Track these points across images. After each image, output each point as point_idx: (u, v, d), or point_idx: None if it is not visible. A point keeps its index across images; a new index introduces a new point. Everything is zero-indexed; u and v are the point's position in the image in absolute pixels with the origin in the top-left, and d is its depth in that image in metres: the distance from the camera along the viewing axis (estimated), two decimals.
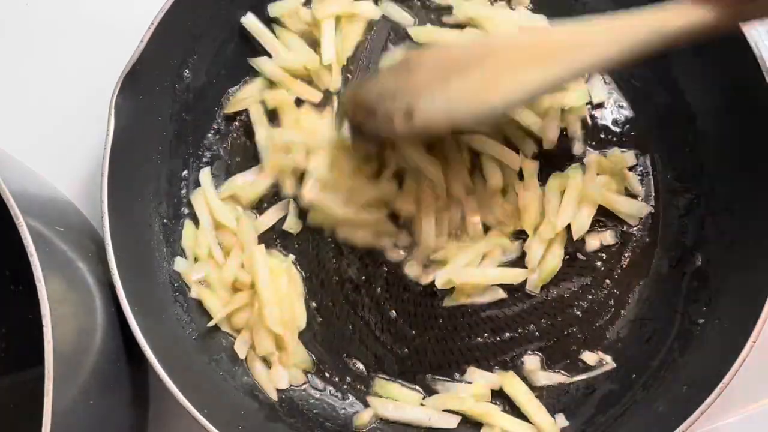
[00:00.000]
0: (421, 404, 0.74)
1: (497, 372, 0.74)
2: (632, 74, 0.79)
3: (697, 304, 0.72)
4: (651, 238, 0.77)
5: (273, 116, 0.78)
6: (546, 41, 0.62)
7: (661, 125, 0.78)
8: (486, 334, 0.75)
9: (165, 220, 0.75)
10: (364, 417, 0.73)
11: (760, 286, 0.65)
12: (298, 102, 0.78)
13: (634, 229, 0.77)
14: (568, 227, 0.76)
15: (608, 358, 0.75)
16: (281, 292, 0.74)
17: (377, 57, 0.80)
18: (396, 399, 0.74)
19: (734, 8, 0.55)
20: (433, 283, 0.75)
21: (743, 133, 0.71)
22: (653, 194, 0.78)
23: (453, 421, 0.73)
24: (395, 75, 0.67)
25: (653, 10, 0.57)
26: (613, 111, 0.79)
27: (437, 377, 0.75)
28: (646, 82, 0.78)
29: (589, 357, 0.75)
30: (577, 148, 0.78)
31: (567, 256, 0.76)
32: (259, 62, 0.78)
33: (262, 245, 0.75)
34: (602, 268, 0.77)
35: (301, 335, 0.75)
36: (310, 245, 0.77)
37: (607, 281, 0.76)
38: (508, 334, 0.75)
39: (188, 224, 0.77)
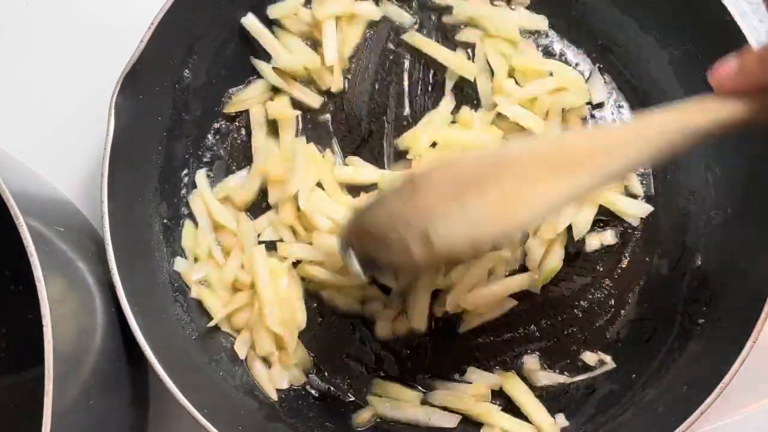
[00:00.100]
0: (421, 403, 0.74)
1: (497, 372, 0.74)
2: (632, 74, 0.79)
3: (697, 304, 0.72)
4: (651, 238, 0.77)
5: (273, 120, 0.78)
6: (567, 148, 0.56)
7: None
8: (486, 334, 0.75)
9: (165, 220, 0.75)
10: (364, 415, 0.73)
11: (760, 286, 0.65)
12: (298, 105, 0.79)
13: (634, 229, 0.77)
14: (569, 227, 0.76)
15: (608, 358, 0.75)
16: (281, 292, 0.74)
17: (377, 57, 0.80)
18: (396, 398, 0.74)
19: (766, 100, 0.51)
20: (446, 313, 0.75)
21: (743, 132, 0.71)
22: (653, 194, 0.78)
23: (453, 420, 0.73)
24: (401, 198, 0.59)
25: (679, 107, 0.54)
26: (613, 111, 0.79)
27: (437, 377, 0.75)
28: (646, 82, 0.78)
29: (589, 357, 0.75)
30: None
31: (567, 256, 0.76)
32: (260, 65, 0.78)
33: (263, 245, 0.75)
34: (602, 268, 0.77)
35: (301, 335, 0.75)
36: None
37: (607, 281, 0.76)
38: (508, 334, 0.75)
39: (188, 224, 0.77)
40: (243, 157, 0.79)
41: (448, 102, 0.78)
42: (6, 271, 0.73)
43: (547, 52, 0.80)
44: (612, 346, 0.75)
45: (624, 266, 0.77)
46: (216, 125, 0.79)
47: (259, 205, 0.78)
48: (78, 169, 0.80)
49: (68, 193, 0.74)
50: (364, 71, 0.80)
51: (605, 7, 0.77)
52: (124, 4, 0.83)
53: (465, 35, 0.79)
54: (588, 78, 0.79)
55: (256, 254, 0.73)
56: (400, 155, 0.78)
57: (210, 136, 0.79)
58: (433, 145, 0.76)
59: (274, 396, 0.74)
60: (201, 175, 0.77)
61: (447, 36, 0.80)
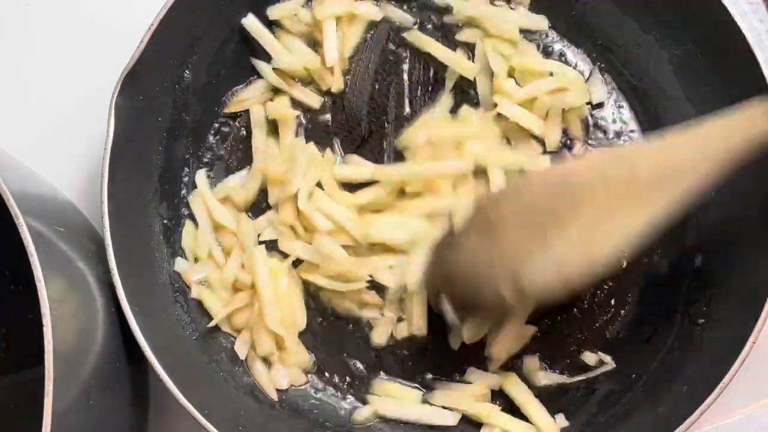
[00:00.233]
0: (421, 402, 0.74)
1: (497, 372, 0.74)
2: (632, 74, 0.79)
3: (697, 304, 0.72)
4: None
5: (273, 120, 0.78)
6: (636, 170, 0.55)
7: (661, 125, 0.78)
8: (486, 335, 0.75)
9: (165, 220, 0.75)
10: (363, 413, 0.73)
11: (760, 286, 0.65)
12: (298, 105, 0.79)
13: None
14: None
15: (608, 358, 0.75)
16: (281, 293, 0.74)
17: (377, 57, 0.80)
18: (396, 398, 0.74)
19: None
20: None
21: None
22: None
23: (453, 419, 0.73)
24: (479, 237, 0.59)
25: (737, 113, 0.53)
26: (613, 111, 0.79)
27: (437, 377, 0.75)
28: (646, 82, 0.78)
29: (589, 357, 0.75)
30: (577, 148, 0.78)
31: None
32: (260, 65, 0.78)
33: (263, 245, 0.75)
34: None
35: (301, 335, 0.75)
36: None
37: (607, 281, 0.76)
38: None
39: (188, 224, 0.77)
40: (243, 157, 0.79)
41: (445, 99, 0.78)
42: (6, 271, 0.73)
43: (547, 52, 0.80)
44: (612, 346, 0.75)
45: (624, 266, 0.77)
46: (216, 125, 0.79)
47: (259, 205, 0.78)
48: (78, 169, 0.80)
49: (68, 193, 0.74)
50: (364, 71, 0.80)
51: (605, 7, 0.77)
52: (124, 4, 0.83)
53: (465, 35, 0.79)
54: (588, 78, 0.79)
55: (257, 254, 0.73)
56: (400, 155, 0.78)
57: (210, 136, 0.79)
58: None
59: (274, 396, 0.74)
60: (201, 175, 0.77)
61: (447, 36, 0.80)
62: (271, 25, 0.78)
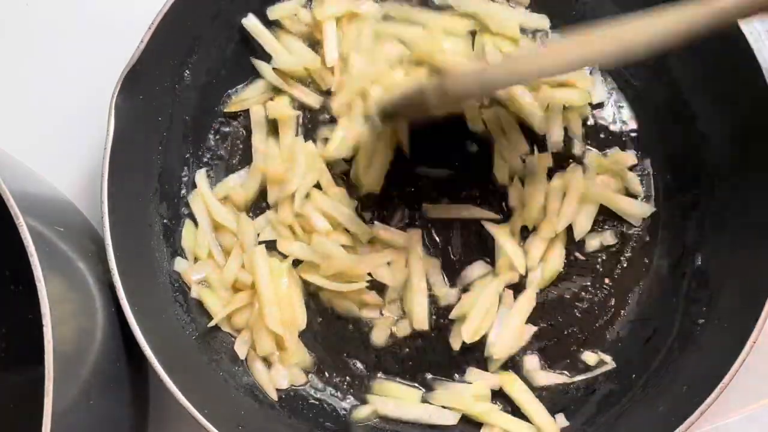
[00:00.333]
0: (421, 402, 0.74)
1: (497, 372, 0.74)
2: (632, 74, 0.79)
3: (697, 304, 0.72)
4: (651, 238, 0.77)
5: (273, 120, 0.78)
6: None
7: (661, 125, 0.78)
8: (486, 335, 0.75)
9: (165, 220, 0.75)
10: (363, 411, 0.74)
11: (760, 286, 0.65)
12: (298, 105, 0.79)
13: (634, 229, 0.77)
14: (569, 227, 0.76)
15: (608, 358, 0.75)
16: (281, 292, 0.74)
17: None
18: (396, 397, 0.74)
19: None
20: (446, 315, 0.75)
21: (743, 133, 0.71)
22: (653, 194, 0.78)
23: (453, 419, 0.73)
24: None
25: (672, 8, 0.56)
26: (613, 111, 0.79)
27: (437, 377, 0.75)
28: (646, 82, 0.78)
29: (589, 357, 0.75)
30: (577, 148, 0.78)
31: (567, 257, 0.76)
32: (260, 65, 0.78)
33: (263, 245, 0.75)
34: (602, 268, 0.77)
35: (302, 335, 0.75)
36: None
37: (607, 281, 0.76)
38: None
39: (188, 224, 0.77)
40: (243, 157, 0.79)
41: None
42: (6, 271, 0.73)
43: None
44: (612, 346, 0.75)
45: (624, 266, 0.77)
46: (216, 125, 0.79)
47: (259, 205, 0.78)
48: (78, 169, 0.80)
49: (68, 193, 0.74)
50: None
51: (605, 6, 0.77)
52: (124, 4, 0.83)
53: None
54: (591, 71, 0.79)
55: (257, 254, 0.73)
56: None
57: (210, 136, 0.79)
58: None
59: (274, 396, 0.74)
60: (201, 175, 0.77)
61: None
62: (271, 25, 0.78)
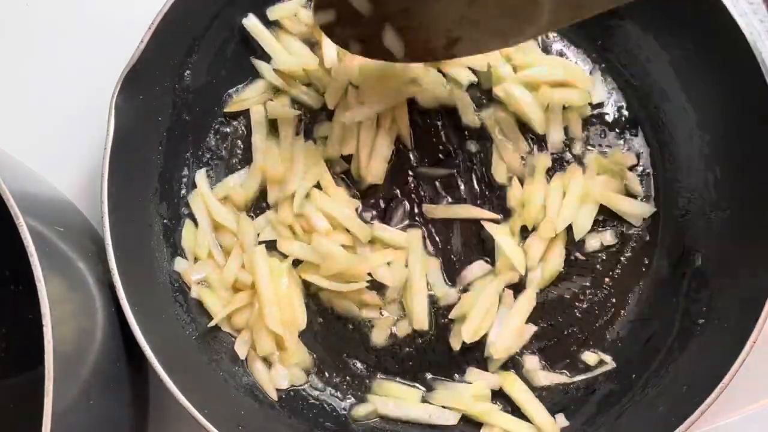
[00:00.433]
0: (421, 401, 0.74)
1: (497, 372, 0.74)
2: (632, 74, 0.79)
3: (697, 304, 0.72)
4: (651, 238, 0.77)
5: (273, 120, 0.78)
6: None
7: (660, 125, 0.78)
8: (486, 335, 0.75)
9: (165, 220, 0.75)
10: (363, 409, 0.74)
11: (760, 286, 0.65)
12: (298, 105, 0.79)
13: (634, 229, 0.77)
14: (569, 227, 0.76)
15: (608, 358, 0.75)
16: (281, 292, 0.74)
17: None
18: (396, 397, 0.74)
19: None
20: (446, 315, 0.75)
21: (743, 133, 0.71)
22: (653, 194, 0.78)
23: (453, 418, 0.73)
24: None
25: None
26: (613, 111, 0.79)
27: (437, 377, 0.75)
28: (646, 82, 0.78)
29: (589, 357, 0.75)
30: (577, 148, 0.78)
31: (567, 257, 0.76)
32: (260, 65, 0.78)
33: (263, 245, 0.75)
34: (602, 268, 0.77)
35: (302, 335, 0.75)
36: None
37: (607, 281, 0.76)
38: None
39: (188, 224, 0.77)
40: (243, 157, 0.79)
41: None
42: (6, 271, 0.73)
43: (548, 52, 0.80)
44: (612, 346, 0.75)
45: (624, 266, 0.77)
46: (216, 125, 0.79)
47: (259, 205, 0.78)
48: (78, 169, 0.80)
49: (68, 193, 0.74)
50: None
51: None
52: (124, 4, 0.83)
53: None
54: (590, 71, 0.79)
55: (257, 254, 0.73)
56: None
57: (210, 136, 0.79)
58: None
59: (274, 396, 0.74)
60: (201, 175, 0.77)
61: None
62: (271, 25, 0.78)
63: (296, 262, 0.75)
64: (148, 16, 0.68)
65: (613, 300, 0.76)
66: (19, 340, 0.74)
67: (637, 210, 0.77)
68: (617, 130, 0.79)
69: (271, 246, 0.76)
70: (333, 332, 0.76)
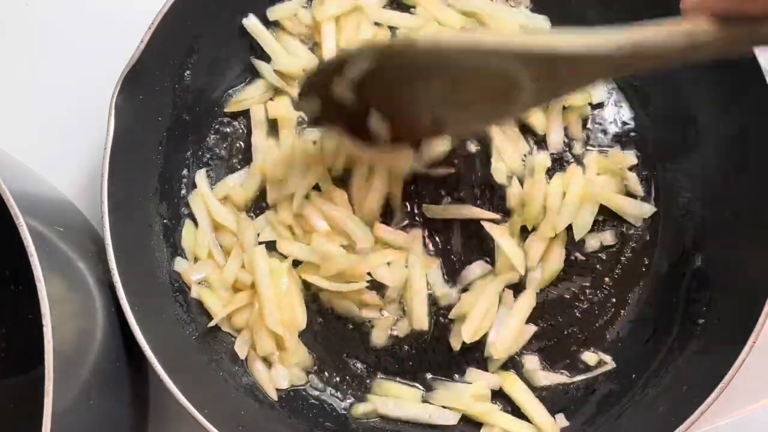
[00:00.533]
0: (421, 401, 0.74)
1: (497, 372, 0.74)
2: (632, 74, 0.79)
3: (697, 304, 0.72)
4: (651, 238, 0.77)
5: (273, 120, 0.78)
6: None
7: (661, 125, 0.78)
8: (486, 335, 0.75)
9: (165, 220, 0.75)
10: (362, 408, 0.74)
11: (760, 287, 0.65)
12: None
13: (634, 229, 0.77)
14: (569, 227, 0.76)
15: (608, 358, 0.75)
16: (281, 293, 0.74)
17: None
18: (396, 397, 0.74)
19: (743, 29, 0.50)
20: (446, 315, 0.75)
21: (743, 133, 0.71)
22: (653, 194, 0.78)
23: (453, 418, 0.73)
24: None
25: (650, 25, 0.54)
26: (613, 111, 0.79)
27: (437, 377, 0.75)
28: (646, 82, 0.78)
29: (589, 357, 0.75)
30: (577, 148, 0.78)
31: (567, 256, 0.76)
32: (260, 65, 0.78)
33: (263, 245, 0.75)
34: (602, 268, 0.77)
35: (302, 335, 0.75)
36: None
37: (607, 281, 0.76)
38: None
39: (188, 224, 0.77)
40: (243, 157, 0.79)
41: None
42: (6, 271, 0.73)
43: None
44: (612, 346, 0.75)
45: (624, 266, 0.77)
46: (216, 125, 0.79)
47: (259, 205, 0.78)
48: (78, 169, 0.80)
49: (68, 193, 0.74)
50: None
51: (607, 14, 0.77)
52: (124, 4, 0.83)
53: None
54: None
55: (257, 254, 0.73)
56: None
57: (210, 136, 0.79)
58: None
59: (274, 396, 0.74)
60: (201, 175, 0.77)
61: None
62: (271, 25, 0.78)
63: (296, 263, 0.75)
64: (148, 16, 0.68)
65: (613, 300, 0.76)
66: (19, 340, 0.74)
67: (637, 210, 0.77)
68: (617, 130, 0.79)
69: (271, 246, 0.76)
70: (333, 332, 0.76)
